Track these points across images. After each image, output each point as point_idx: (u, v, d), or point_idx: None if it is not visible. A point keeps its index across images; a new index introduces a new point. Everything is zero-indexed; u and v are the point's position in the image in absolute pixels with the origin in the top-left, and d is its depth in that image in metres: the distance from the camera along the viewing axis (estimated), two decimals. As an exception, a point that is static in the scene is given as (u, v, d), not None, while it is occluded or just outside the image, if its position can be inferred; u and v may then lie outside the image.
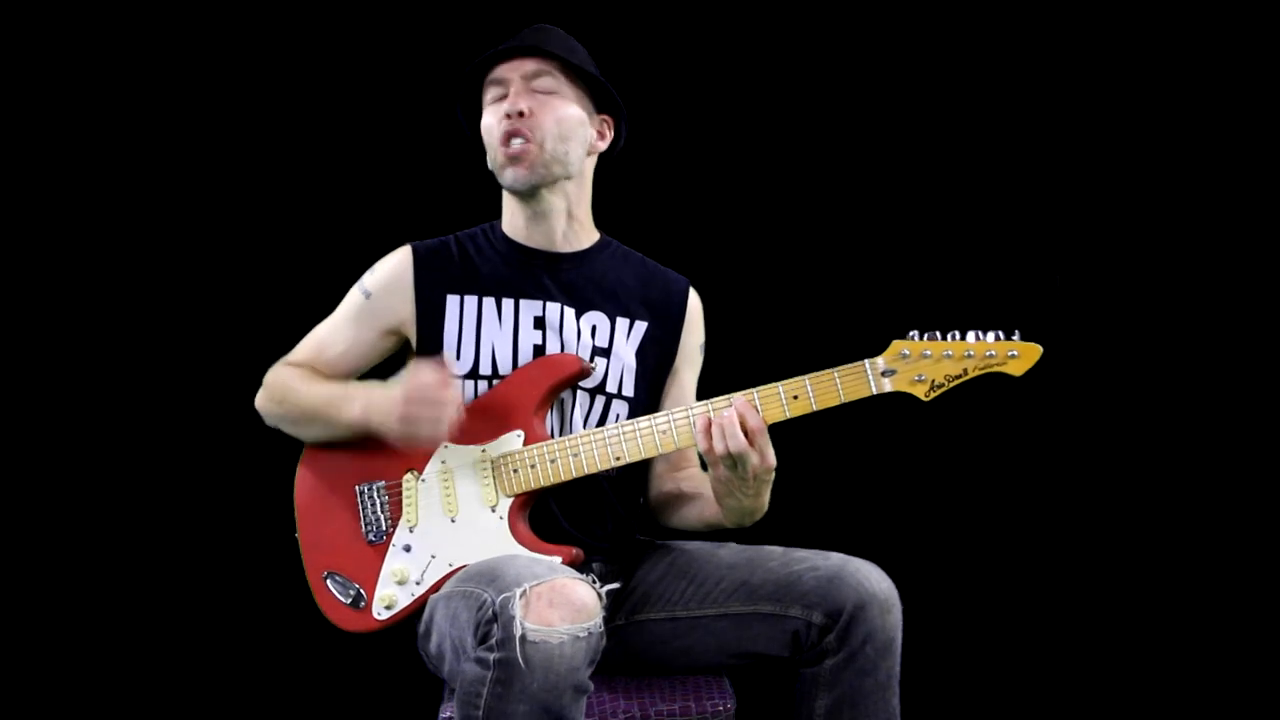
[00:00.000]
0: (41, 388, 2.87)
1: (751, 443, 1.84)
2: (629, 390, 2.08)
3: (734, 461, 1.85)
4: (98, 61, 2.85)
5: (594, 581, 1.75)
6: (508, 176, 2.04)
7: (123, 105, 2.87)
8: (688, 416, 1.92)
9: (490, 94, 2.07)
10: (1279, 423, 2.90)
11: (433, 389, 1.89)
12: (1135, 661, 2.95)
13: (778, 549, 2.00)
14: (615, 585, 1.90)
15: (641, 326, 2.11)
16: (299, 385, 2.05)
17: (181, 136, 2.90)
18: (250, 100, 2.91)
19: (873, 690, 1.87)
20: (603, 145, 2.12)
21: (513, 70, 2.04)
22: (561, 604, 1.67)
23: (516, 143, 2.01)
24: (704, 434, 1.86)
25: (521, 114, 2.00)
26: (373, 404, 1.95)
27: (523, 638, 1.64)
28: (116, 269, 2.89)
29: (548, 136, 2.02)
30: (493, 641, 1.66)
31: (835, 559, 1.94)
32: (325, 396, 2.02)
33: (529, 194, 2.05)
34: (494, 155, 2.05)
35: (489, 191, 2.16)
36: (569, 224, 2.10)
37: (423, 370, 1.92)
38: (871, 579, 1.89)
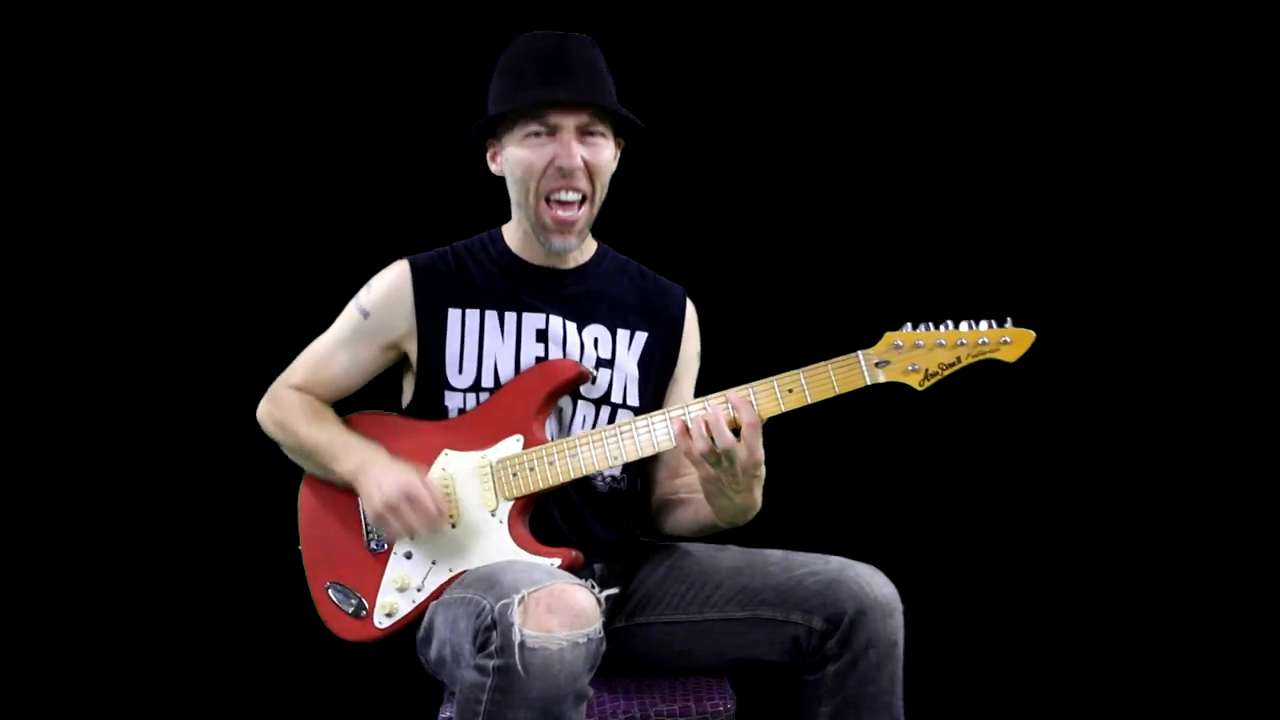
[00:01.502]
0: (44, 398, 2.87)
1: (742, 437, 1.84)
2: (633, 400, 2.08)
3: (718, 458, 1.85)
4: (97, 70, 2.85)
5: (593, 587, 1.76)
6: (555, 244, 2.01)
7: (121, 113, 2.87)
8: (684, 414, 1.92)
9: (531, 127, 1.98)
10: (1274, 410, 2.88)
11: (427, 505, 1.92)
12: (1136, 661, 2.94)
13: (778, 553, 2.00)
14: (614, 591, 1.90)
15: (642, 337, 2.11)
16: (302, 421, 2.05)
17: (179, 145, 2.89)
18: (247, 106, 2.91)
19: (876, 696, 1.87)
20: (613, 166, 2.09)
21: (567, 118, 1.97)
22: (561, 610, 1.67)
23: (570, 199, 1.98)
24: (683, 435, 1.86)
25: (578, 169, 1.97)
26: (365, 474, 1.96)
27: (522, 644, 1.65)
28: (116, 279, 2.89)
29: (596, 188, 2.01)
30: (492, 648, 1.67)
31: (835, 563, 1.93)
32: (324, 443, 2.02)
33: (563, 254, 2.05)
34: (532, 201, 2.00)
35: (487, 197, 2.15)
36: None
37: (425, 486, 1.93)
38: (873, 584, 1.89)
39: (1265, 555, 2.89)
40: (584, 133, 1.99)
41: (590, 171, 1.99)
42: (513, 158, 2.01)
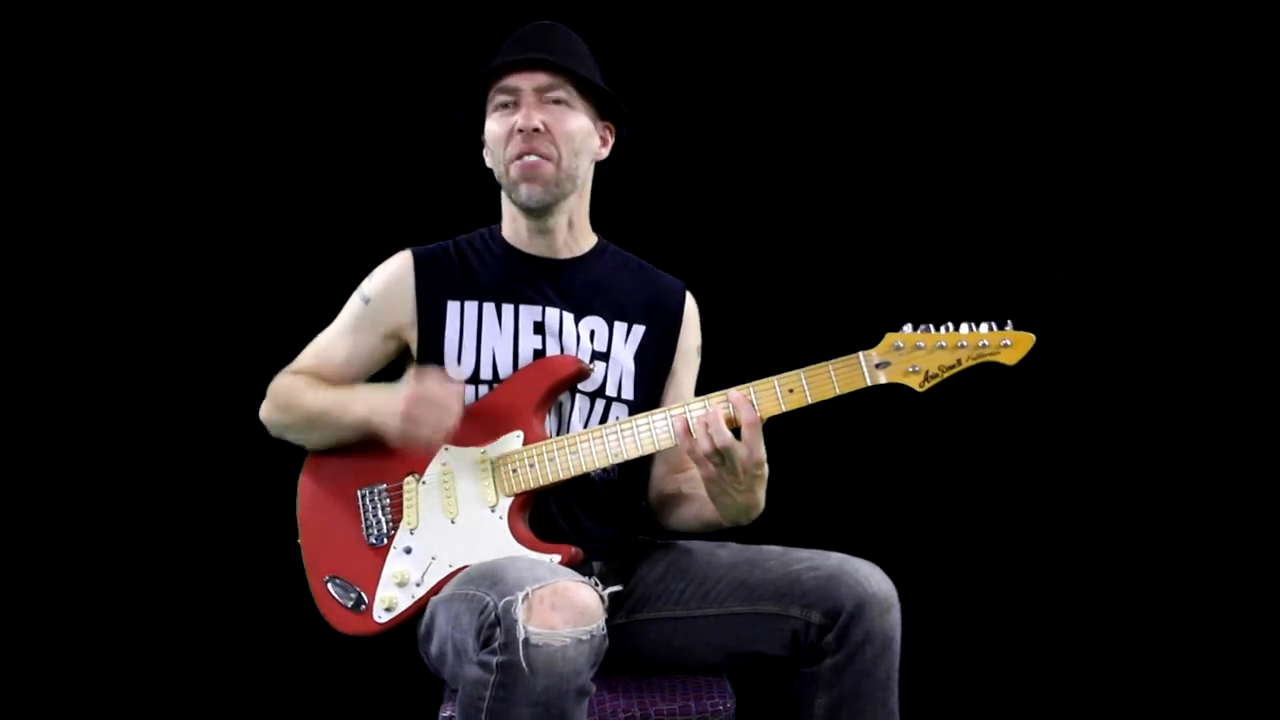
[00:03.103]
0: (47, 396, 2.87)
1: (742, 436, 1.85)
2: (628, 393, 2.08)
3: (720, 457, 1.86)
4: (97, 65, 2.85)
5: (596, 584, 1.76)
6: (522, 193, 2.02)
7: (121, 110, 2.87)
8: (685, 413, 1.93)
9: (497, 100, 2.03)
10: (1273, 411, 2.90)
11: (436, 392, 1.91)
12: (1135, 659, 2.95)
13: (777, 549, 2.00)
14: (617, 587, 1.90)
15: (639, 330, 2.11)
16: (304, 391, 2.05)
17: (179, 142, 2.89)
18: (246, 105, 2.90)
19: (872, 690, 1.87)
20: (605, 153, 2.11)
21: (525, 81, 2.01)
22: (564, 607, 1.68)
23: (531, 158, 2.00)
24: (684, 434, 1.87)
25: (536, 130, 1.99)
26: (376, 404, 1.97)
27: (525, 641, 1.65)
28: (116, 277, 2.89)
29: (564, 153, 2.01)
30: (495, 645, 1.67)
31: (834, 559, 1.94)
32: (331, 399, 2.03)
33: (538, 211, 2.04)
34: (503, 168, 2.03)
35: (486, 193, 2.16)
36: (570, 232, 2.10)
37: (427, 374, 1.94)
38: (871, 579, 1.89)
39: (1264, 556, 2.91)
40: (546, 98, 2.01)
41: (553, 136, 2.00)
42: (487, 133, 2.05)
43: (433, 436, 1.93)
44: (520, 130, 1.99)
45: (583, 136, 2.04)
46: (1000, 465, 2.97)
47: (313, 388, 2.06)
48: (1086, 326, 2.91)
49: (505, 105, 2.02)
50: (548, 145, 2.00)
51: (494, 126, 2.03)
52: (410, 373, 2.01)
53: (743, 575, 1.97)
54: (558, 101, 2.02)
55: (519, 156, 2.00)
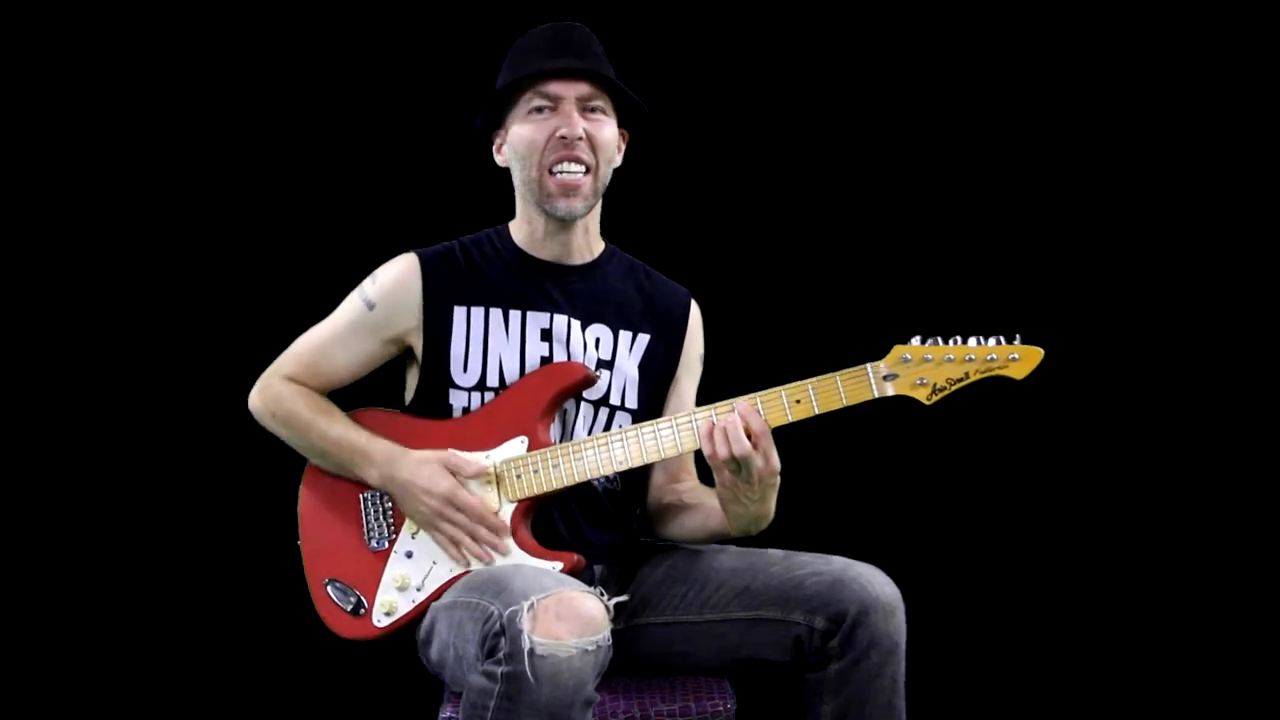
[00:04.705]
0: (43, 392, 2.85)
1: (755, 446, 1.84)
2: (632, 402, 2.08)
3: (738, 465, 1.85)
4: (98, 64, 2.83)
5: (601, 594, 1.76)
6: (560, 208, 2.00)
7: (123, 107, 2.85)
8: (691, 420, 1.92)
9: (533, 103, 2.00)
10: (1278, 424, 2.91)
11: (473, 507, 1.93)
12: (1136, 663, 2.95)
13: (779, 553, 2.00)
14: (624, 598, 1.89)
15: (644, 339, 2.10)
16: (309, 417, 2.02)
17: (181, 139, 2.88)
18: (248, 101, 2.89)
19: (878, 695, 1.87)
20: (619, 159, 2.11)
21: (568, 90, 1.99)
22: (570, 617, 1.67)
23: (573, 170, 1.98)
24: (707, 438, 1.86)
25: (580, 139, 1.98)
26: (394, 480, 1.96)
27: (531, 651, 1.64)
28: (116, 271, 2.87)
29: (600, 162, 2.01)
30: (500, 655, 1.66)
31: (838, 563, 1.93)
32: (339, 442, 2.00)
33: (569, 221, 2.03)
34: (535, 174, 2.00)
35: (489, 191, 2.14)
36: (585, 237, 2.09)
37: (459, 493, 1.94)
38: (875, 583, 1.89)
39: (1267, 568, 2.91)
40: (585, 107, 2.00)
41: (593, 145, 1.99)
42: (517, 136, 2.02)
43: (453, 540, 1.94)
44: (563, 137, 1.98)
45: (614, 146, 2.05)
46: (1006, 476, 2.97)
47: (314, 415, 2.02)
48: (1095, 341, 2.91)
49: (541, 110, 2.00)
50: (589, 154, 1.99)
51: (528, 131, 2.00)
52: (430, 455, 1.98)
53: (745, 580, 1.97)
54: (594, 110, 2.01)
55: (557, 164, 1.98)
